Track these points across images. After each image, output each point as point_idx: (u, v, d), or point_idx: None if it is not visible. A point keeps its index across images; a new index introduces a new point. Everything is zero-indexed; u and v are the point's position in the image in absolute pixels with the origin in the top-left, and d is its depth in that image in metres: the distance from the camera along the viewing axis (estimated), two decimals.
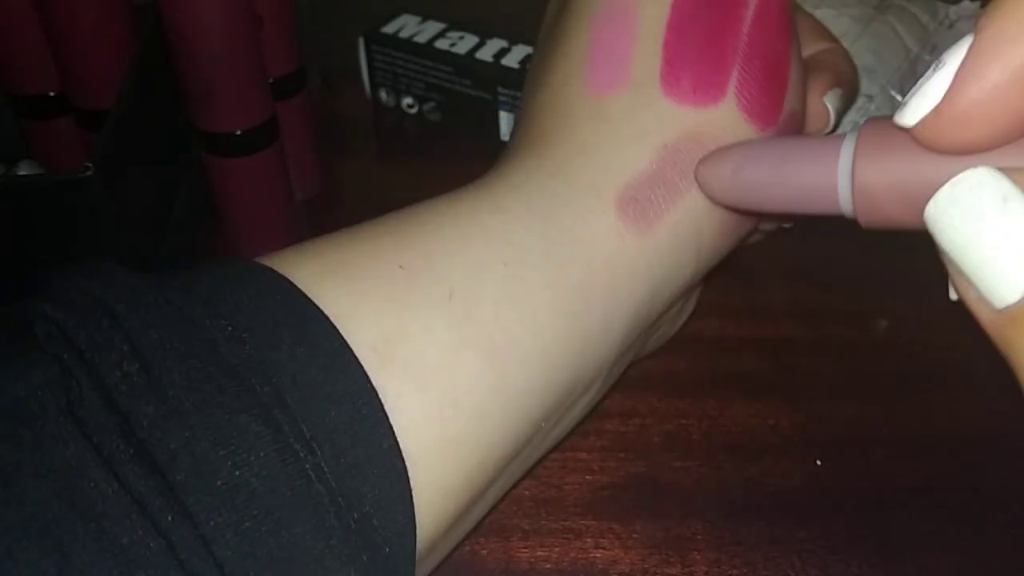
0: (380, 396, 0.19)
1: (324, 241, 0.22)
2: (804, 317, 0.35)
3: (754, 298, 0.36)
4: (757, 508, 0.28)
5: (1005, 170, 0.15)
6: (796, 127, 0.26)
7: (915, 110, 0.16)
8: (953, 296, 0.19)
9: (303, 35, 0.40)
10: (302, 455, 0.17)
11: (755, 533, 0.28)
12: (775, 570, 0.27)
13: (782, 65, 0.24)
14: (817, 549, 0.27)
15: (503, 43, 0.44)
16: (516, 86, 0.42)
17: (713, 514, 0.28)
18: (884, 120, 0.18)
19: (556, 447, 0.26)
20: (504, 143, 0.44)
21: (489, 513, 0.24)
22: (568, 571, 0.27)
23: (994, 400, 0.31)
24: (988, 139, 0.16)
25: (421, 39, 0.45)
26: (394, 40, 0.45)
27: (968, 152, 0.16)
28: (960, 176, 0.15)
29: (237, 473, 0.17)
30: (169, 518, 0.16)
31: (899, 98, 0.37)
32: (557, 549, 0.27)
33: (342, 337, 0.19)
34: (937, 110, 0.16)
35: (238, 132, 0.34)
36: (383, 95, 0.47)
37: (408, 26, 0.46)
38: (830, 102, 0.27)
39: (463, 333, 0.20)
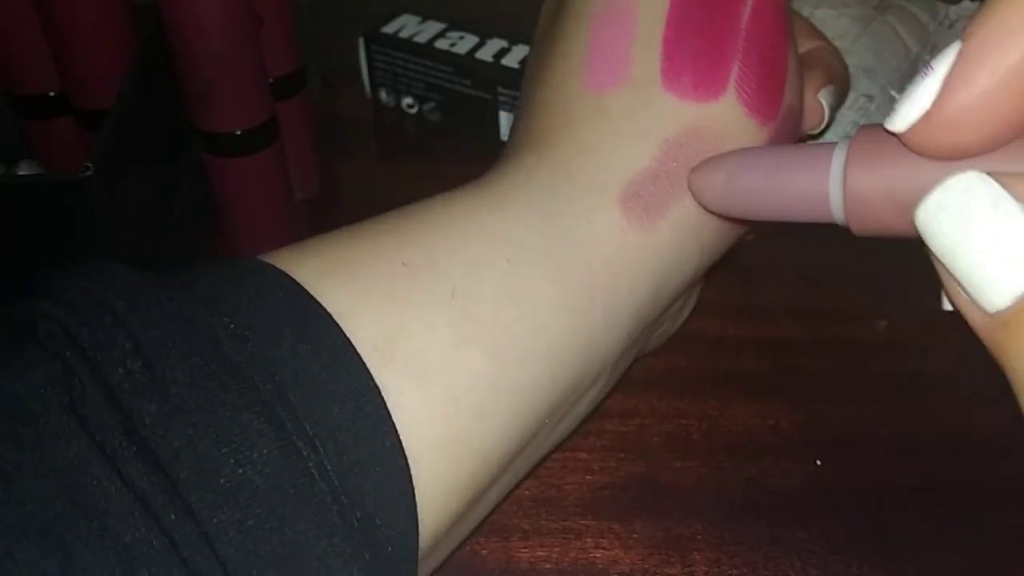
0: (382, 394, 0.19)
1: (325, 239, 0.22)
2: (804, 317, 0.35)
3: (754, 298, 0.36)
4: (757, 508, 0.28)
5: (994, 174, 0.15)
6: (794, 122, 0.26)
7: (905, 116, 0.17)
8: (946, 306, 0.20)
9: (303, 35, 0.40)
10: (305, 453, 0.17)
11: (755, 533, 0.28)
12: (775, 570, 0.27)
13: (780, 60, 0.24)
14: (817, 549, 0.27)
15: (503, 43, 0.44)
16: (516, 86, 0.42)
17: (713, 514, 0.28)
18: (876, 128, 0.18)
19: (558, 446, 0.26)
20: (504, 143, 0.44)
21: (491, 512, 0.24)
22: (568, 571, 0.27)
23: (994, 400, 0.31)
24: (977, 144, 0.16)
25: (421, 39, 0.45)
26: (394, 40, 0.45)
27: (957, 157, 0.16)
28: (949, 181, 0.15)
29: (240, 471, 0.17)
30: (172, 516, 0.16)
31: (899, 98, 0.37)
32: (557, 549, 0.27)
33: (344, 335, 0.19)
34: (927, 116, 0.16)
35: (238, 132, 0.34)
36: (383, 95, 0.47)
37: (408, 26, 0.46)
38: (824, 99, 0.27)
39: (464, 330, 0.20)
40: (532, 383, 0.21)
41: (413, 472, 0.19)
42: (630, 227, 0.23)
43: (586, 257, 0.22)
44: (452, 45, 0.44)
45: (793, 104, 0.25)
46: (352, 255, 0.21)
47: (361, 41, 0.46)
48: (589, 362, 0.23)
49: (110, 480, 0.16)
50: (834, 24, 0.39)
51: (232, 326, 0.18)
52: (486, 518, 0.24)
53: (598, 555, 0.27)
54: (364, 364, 0.19)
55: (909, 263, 0.21)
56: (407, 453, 0.19)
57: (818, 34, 0.29)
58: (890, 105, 0.37)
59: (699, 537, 0.27)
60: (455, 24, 0.45)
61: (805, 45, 0.28)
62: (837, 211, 0.19)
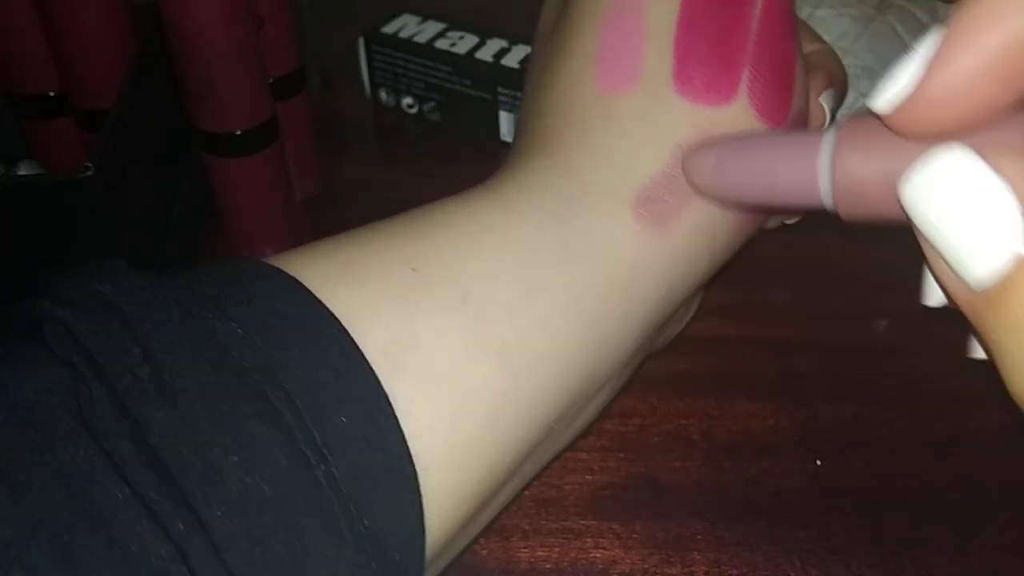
0: (391, 401, 0.18)
1: (332, 242, 0.21)
2: (804, 317, 0.35)
3: (754, 298, 0.36)
4: (757, 508, 0.28)
5: (978, 149, 0.15)
6: (801, 125, 0.26)
7: (887, 96, 0.17)
8: (927, 301, 0.20)
9: (303, 35, 0.40)
10: (313, 461, 0.17)
11: (755, 533, 0.28)
12: (775, 570, 0.27)
13: (789, 63, 0.24)
14: (817, 549, 0.27)
15: (503, 43, 0.44)
16: (516, 86, 0.42)
17: (713, 514, 0.28)
18: (865, 115, 0.19)
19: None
20: (504, 143, 0.44)
21: (498, 515, 0.24)
22: (568, 571, 0.27)
23: (995, 401, 0.31)
24: (958, 125, 0.16)
25: (421, 39, 0.45)
26: (394, 40, 0.45)
27: (938, 138, 0.16)
28: (934, 155, 0.15)
29: (249, 480, 0.16)
30: (180, 526, 0.16)
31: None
32: (557, 549, 0.27)
33: (353, 340, 0.19)
34: (908, 96, 0.16)
35: (238, 132, 0.34)
36: (383, 95, 0.47)
37: (408, 26, 0.46)
38: (826, 102, 0.27)
39: (476, 337, 0.20)
40: (543, 389, 0.21)
41: (421, 480, 0.19)
42: (643, 232, 0.22)
43: (600, 262, 0.22)
44: (452, 45, 0.44)
45: (801, 107, 0.25)
46: (361, 259, 0.21)
47: (361, 41, 0.46)
48: (600, 367, 0.23)
49: (118, 488, 0.16)
50: (834, 24, 0.39)
51: (240, 331, 0.18)
52: (492, 521, 0.24)
53: (598, 555, 0.27)
54: (373, 371, 0.18)
55: (909, 263, 0.21)
56: (415, 460, 0.19)
57: (816, 36, 0.29)
58: None
59: (699, 537, 0.27)
60: (455, 24, 0.45)
61: (806, 48, 0.28)
62: (826, 196, 0.20)
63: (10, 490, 0.15)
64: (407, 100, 0.46)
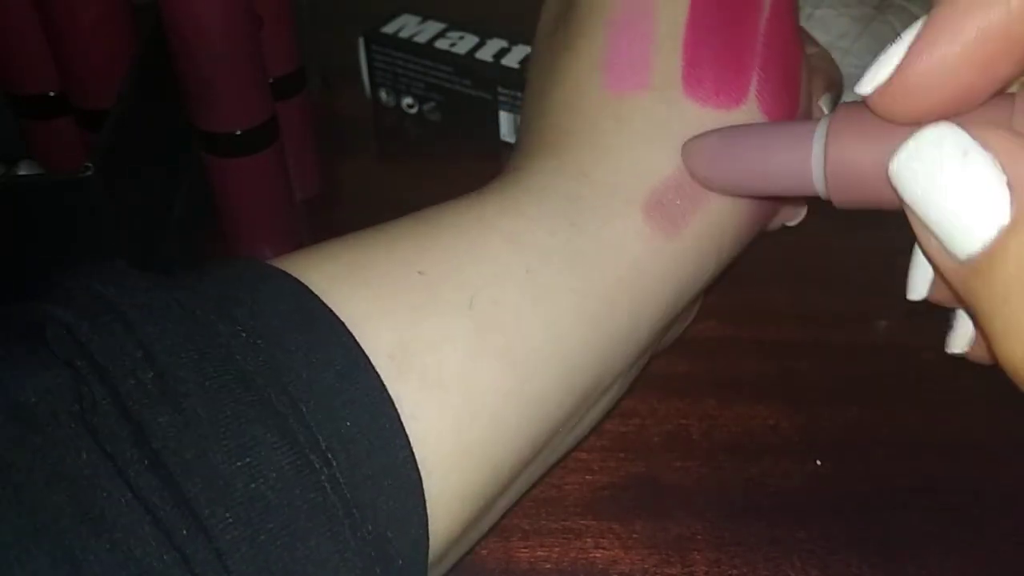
0: (396, 404, 0.18)
1: (337, 244, 0.21)
2: (804, 318, 0.35)
3: (754, 299, 0.36)
4: (757, 508, 0.28)
5: (965, 125, 0.16)
6: None
7: (871, 80, 0.17)
8: (912, 296, 0.20)
9: (303, 35, 0.40)
10: (317, 466, 0.17)
11: (755, 533, 0.28)
12: (775, 570, 0.27)
13: (795, 67, 0.24)
14: (817, 549, 0.27)
15: (503, 43, 0.44)
16: (516, 86, 0.42)
17: (713, 514, 0.28)
18: (857, 104, 0.19)
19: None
20: (504, 143, 0.44)
21: (501, 517, 0.24)
22: (568, 571, 0.27)
23: (995, 403, 0.31)
24: (939, 108, 0.17)
25: (421, 39, 0.45)
26: (394, 40, 0.45)
27: (919, 121, 0.17)
28: (922, 131, 0.16)
29: (253, 485, 0.16)
30: (183, 531, 0.16)
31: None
32: (557, 549, 0.27)
33: (358, 343, 0.19)
34: (890, 80, 0.17)
35: (238, 132, 0.34)
36: (383, 95, 0.47)
37: (408, 26, 0.46)
38: (825, 104, 0.27)
39: (483, 341, 0.20)
40: (548, 392, 0.21)
41: (426, 483, 0.19)
42: (653, 235, 0.22)
43: (609, 266, 0.22)
44: (452, 45, 0.44)
45: (805, 110, 0.25)
46: (367, 261, 0.20)
47: (361, 41, 0.46)
48: (606, 370, 0.23)
49: (120, 492, 0.16)
50: (834, 24, 0.39)
51: (244, 334, 0.18)
52: (495, 523, 0.24)
53: (598, 555, 0.27)
54: (378, 374, 0.18)
55: (908, 265, 0.21)
56: (420, 464, 0.18)
57: (812, 40, 0.29)
58: None
59: (699, 537, 0.27)
60: (455, 24, 0.45)
61: (806, 51, 0.29)
62: (819, 183, 0.20)
63: (11, 491, 0.15)
64: (407, 100, 0.46)
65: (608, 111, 0.23)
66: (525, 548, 0.27)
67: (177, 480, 0.16)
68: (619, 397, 0.26)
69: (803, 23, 0.40)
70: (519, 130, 0.27)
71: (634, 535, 0.28)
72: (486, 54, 0.43)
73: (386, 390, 0.18)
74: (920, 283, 0.21)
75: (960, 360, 0.22)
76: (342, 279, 0.20)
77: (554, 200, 0.22)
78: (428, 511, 0.19)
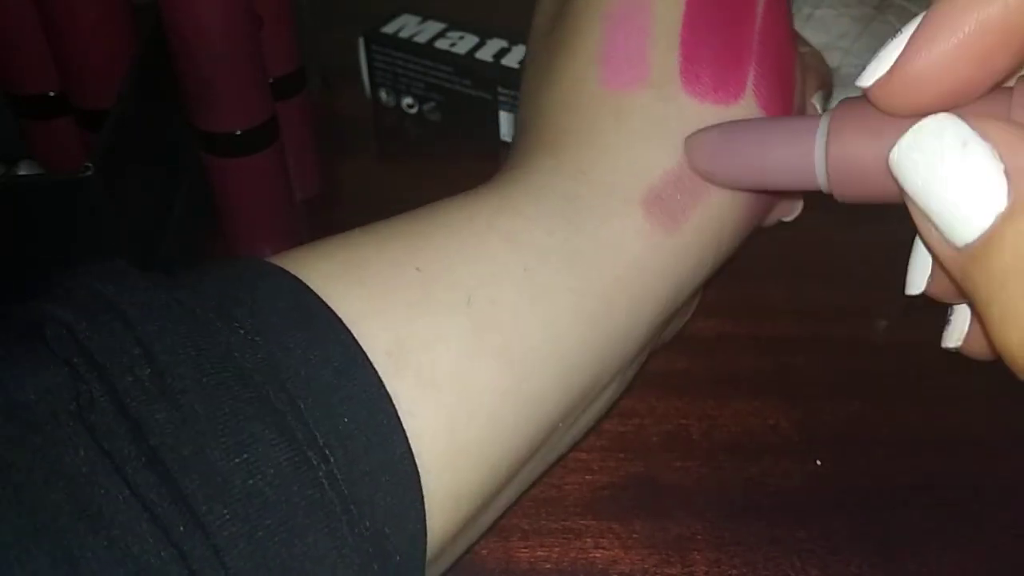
0: (394, 402, 0.18)
1: (335, 241, 0.21)
2: (803, 316, 0.35)
3: (753, 297, 0.36)
4: (757, 508, 0.28)
5: (964, 116, 0.16)
6: None
7: (871, 73, 0.18)
8: (910, 291, 0.20)
9: (303, 35, 0.40)
10: (315, 463, 0.17)
11: (755, 533, 0.28)
12: (775, 570, 0.27)
13: (790, 63, 0.25)
14: (817, 549, 0.27)
15: (503, 43, 0.44)
16: (516, 86, 0.42)
17: (713, 514, 0.28)
18: (859, 98, 0.19)
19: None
20: (504, 143, 0.44)
21: (501, 516, 0.24)
22: (568, 571, 0.27)
23: (994, 398, 0.31)
24: (937, 101, 0.17)
25: (421, 39, 0.45)
26: (394, 40, 0.45)
27: (919, 114, 0.17)
28: (922, 122, 0.16)
29: (250, 482, 0.16)
30: (181, 528, 0.16)
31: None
32: (557, 549, 0.27)
33: (355, 341, 0.19)
34: (890, 73, 0.17)
35: (238, 132, 0.34)
36: (383, 95, 0.47)
37: (408, 26, 0.46)
38: (818, 102, 0.27)
39: (480, 340, 0.20)
40: (547, 390, 0.21)
41: (423, 481, 0.19)
42: (653, 231, 0.22)
43: (608, 263, 0.22)
44: (452, 45, 0.44)
45: (800, 106, 0.25)
46: (364, 259, 0.20)
47: (361, 41, 0.46)
48: (604, 367, 0.23)
49: (118, 490, 0.16)
50: (834, 24, 0.39)
51: (242, 331, 0.18)
52: (494, 522, 0.24)
53: (598, 555, 0.27)
54: (376, 371, 0.18)
55: (908, 262, 0.21)
56: (417, 462, 0.18)
57: (803, 39, 0.30)
58: None
59: (699, 537, 0.27)
60: (455, 24, 0.45)
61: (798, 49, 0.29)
62: (821, 176, 0.20)
63: (10, 491, 0.15)
64: (407, 100, 0.46)
65: (606, 109, 0.23)
66: (525, 548, 0.27)
67: (175, 477, 0.16)
68: (618, 394, 0.26)
69: (803, 23, 0.40)
70: (516, 130, 0.27)
71: (634, 535, 0.28)
72: (486, 54, 0.43)
73: (383, 386, 0.18)
74: (918, 277, 0.21)
75: (960, 359, 0.22)
76: (340, 277, 0.20)
77: (552, 199, 0.22)
78: (425, 508, 0.19)
